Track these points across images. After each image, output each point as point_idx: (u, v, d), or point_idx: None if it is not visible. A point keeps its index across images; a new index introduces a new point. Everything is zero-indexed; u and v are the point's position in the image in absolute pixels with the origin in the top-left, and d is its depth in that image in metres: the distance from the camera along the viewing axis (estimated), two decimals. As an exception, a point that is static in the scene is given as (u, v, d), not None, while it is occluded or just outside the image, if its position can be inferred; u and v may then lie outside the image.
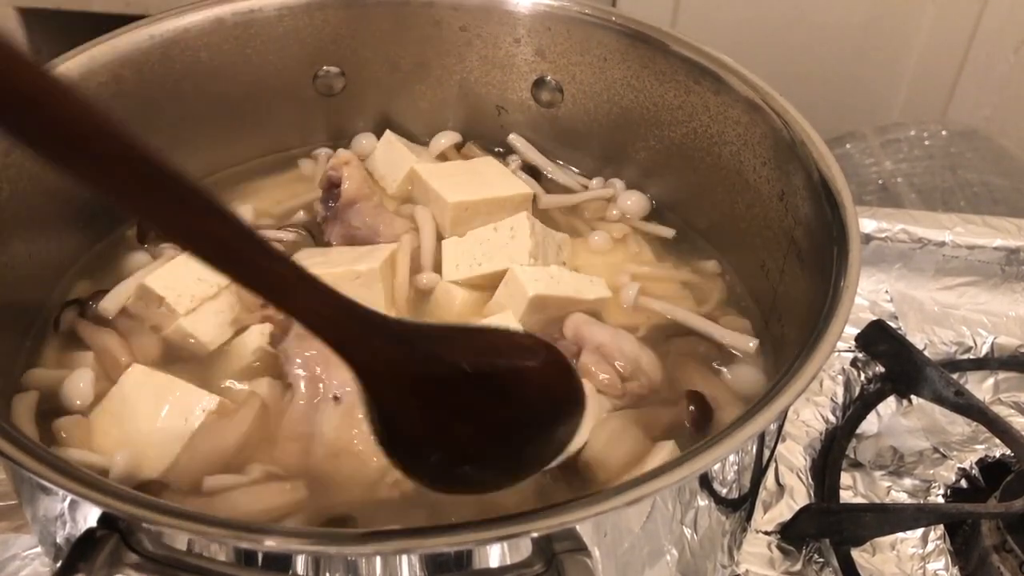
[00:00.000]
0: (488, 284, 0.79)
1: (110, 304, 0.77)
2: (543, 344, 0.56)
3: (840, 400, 0.93)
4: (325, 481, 0.66)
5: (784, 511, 0.83)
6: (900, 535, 0.82)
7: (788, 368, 0.59)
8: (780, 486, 0.85)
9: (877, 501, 0.85)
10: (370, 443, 0.65)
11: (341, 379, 0.69)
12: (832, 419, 0.92)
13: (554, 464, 0.60)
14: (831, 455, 0.89)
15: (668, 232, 0.89)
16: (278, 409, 0.71)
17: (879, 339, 0.94)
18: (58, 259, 0.81)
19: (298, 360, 0.71)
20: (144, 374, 0.71)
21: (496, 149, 0.97)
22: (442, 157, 0.95)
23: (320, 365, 0.70)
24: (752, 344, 0.78)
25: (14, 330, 0.76)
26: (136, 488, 0.64)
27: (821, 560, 0.81)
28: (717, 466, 0.60)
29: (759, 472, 0.68)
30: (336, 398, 0.68)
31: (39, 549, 0.76)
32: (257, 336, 0.75)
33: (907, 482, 0.87)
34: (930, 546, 0.81)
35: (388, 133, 0.95)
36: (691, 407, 0.71)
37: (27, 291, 0.78)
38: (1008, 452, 0.86)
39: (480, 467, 0.55)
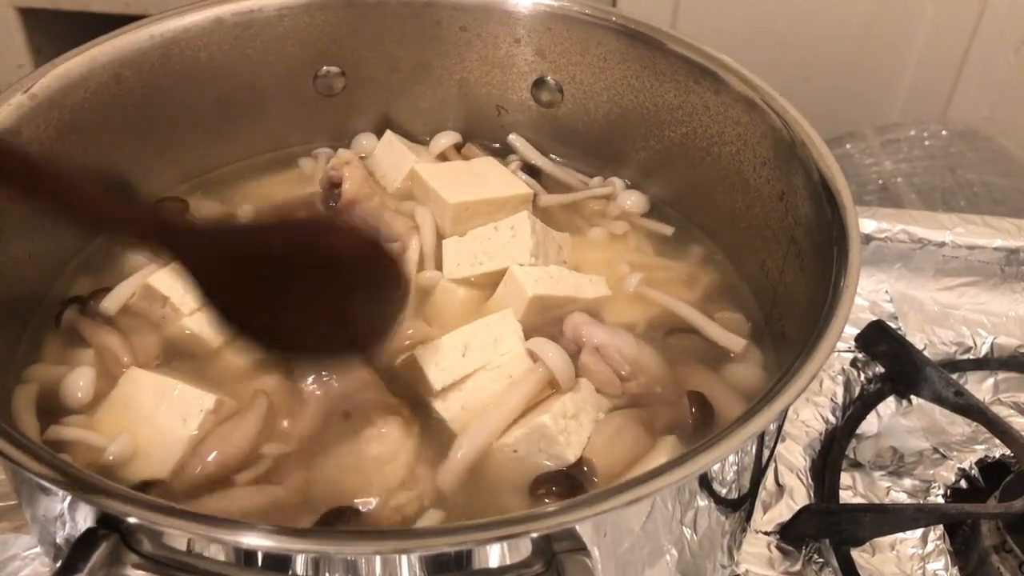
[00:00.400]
0: (489, 283, 0.80)
1: (112, 302, 0.77)
2: (348, 226, 0.70)
3: (840, 400, 0.94)
4: (327, 499, 0.66)
5: (784, 511, 0.83)
6: (900, 535, 0.82)
7: (788, 368, 0.59)
8: (780, 486, 0.85)
9: (877, 501, 0.85)
10: (376, 464, 0.66)
11: (355, 397, 0.69)
12: (832, 419, 0.92)
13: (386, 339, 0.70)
14: (831, 455, 0.89)
15: (667, 229, 0.90)
16: (286, 408, 0.71)
17: (879, 339, 0.94)
18: (58, 256, 0.81)
19: (312, 375, 0.71)
20: (141, 376, 0.71)
21: (496, 148, 0.97)
22: (442, 157, 0.95)
23: (335, 381, 0.70)
24: (741, 344, 0.78)
25: (14, 324, 0.76)
26: (139, 487, 0.65)
27: (821, 560, 0.81)
28: (717, 466, 0.60)
29: (759, 472, 0.68)
30: (347, 415, 0.68)
31: (39, 549, 0.76)
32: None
33: (907, 482, 0.87)
34: (930, 546, 0.81)
35: (388, 133, 0.95)
36: (693, 409, 0.71)
37: (27, 286, 0.78)
38: (1008, 452, 0.86)
39: (313, 332, 0.65)
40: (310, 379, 0.71)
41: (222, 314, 0.63)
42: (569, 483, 0.66)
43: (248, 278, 0.62)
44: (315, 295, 0.64)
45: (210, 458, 0.67)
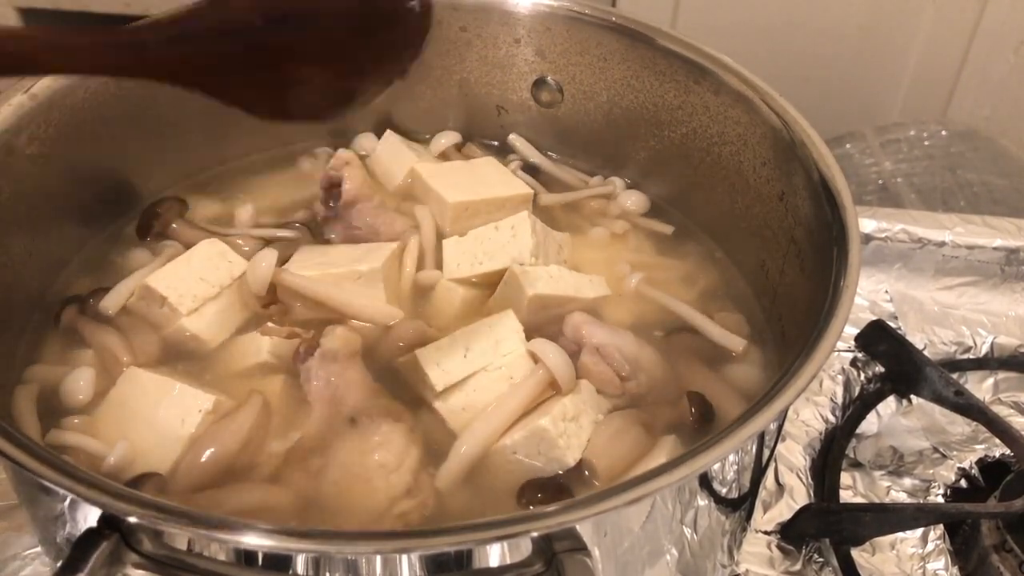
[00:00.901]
0: (489, 282, 0.80)
1: (111, 302, 0.77)
2: None
3: (840, 400, 0.94)
4: (331, 504, 0.65)
5: (784, 511, 0.83)
6: (900, 535, 0.82)
7: (788, 367, 0.59)
8: (780, 486, 0.85)
9: (877, 501, 0.85)
10: (382, 471, 0.65)
11: (360, 403, 0.69)
12: (832, 419, 0.92)
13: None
14: (831, 455, 0.89)
15: (667, 228, 0.90)
16: (291, 411, 0.71)
17: (879, 339, 0.94)
18: (58, 255, 0.81)
19: (318, 382, 0.71)
20: (139, 376, 0.71)
21: (496, 147, 0.97)
22: (443, 157, 0.95)
23: (341, 387, 0.70)
24: (741, 344, 0.78)
25: (13, 325, 0.76)
26: (135, 480, 0.65)
27: (821, 560, 0.81)
28: (717, 466, 0.60)
29: (759, 472, 0.68)
30: (352, 420, 0.68)
31: (39, 549, 0.76)
32: (268, 341, 0.75)
33: (907, 482, 0.87)
34: (930, 546, 0.81)
35: (389, 132, 0.95)
36: (693, 408, 0.71)
37: (26, 286, 0.78)
38: (1008, 452, 0.86)
39: (328, 89, 0.59)
40: (315, 383, 0.71)
41: (223, 96, 0.56)
42: (557, 491, 0.66)
43: (237, 47, 0.54)
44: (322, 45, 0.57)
45: (205, 456, 0.67)
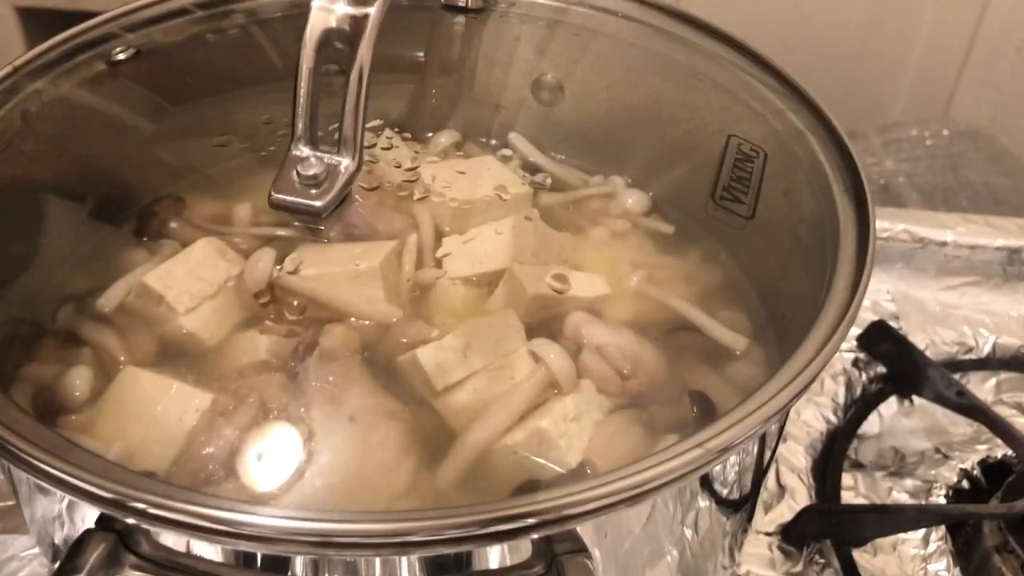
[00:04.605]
0: (489, 282, 0.79)
1: (108, 300, 0.76)
2: None
3: (841, 400, 0.93)
4: (329, 504, 0.64)
5: (785, 512, 0.83)
6: (901, 536, 0.82)
7: (791, 368, 0.58)
8: (781, 487, 0.85)
9: (878, 502, 0.85)
10: (381, 470, 0.65)
11: (359, 402, 0.68)
12: (833, 419, 0.92)
13: None
14: (832, 456, 0.89)
15: (668, 227, 0.89)
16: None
17: (880, 339, 0.94)
18: (54, 254, 0.81)
19: (316, 382, 0.70)
20: (137, 375, 0.71)
21: (496, 146, 0.97)
22: (442, 156, 0.94)
23: (339, 386, 0.69)
24: (742, 343, 0.78)
25: (8, 324, 0.76)
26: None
27: (822, 561, 0.81)
28: (718, 467, 0.60)
29: (760, 473, 0.68)
30: (352, 419, 0.68)
31: (37, 550, 0.76)
32: (266, 339, 0.74)
33: (908, 483, 0.87)
34: (931, 547, 0.81)
35: (387, 131, 0.94)
36: (694, 408, 0.71)
37: (22, 285, 0.77)
38: (1010, 453, 0.86)
39: None
40: (312, 382, 0.70)
41: None
42: (571, 475, 0.66)
43: None
44: None
45: (202, 455, 0.66)
